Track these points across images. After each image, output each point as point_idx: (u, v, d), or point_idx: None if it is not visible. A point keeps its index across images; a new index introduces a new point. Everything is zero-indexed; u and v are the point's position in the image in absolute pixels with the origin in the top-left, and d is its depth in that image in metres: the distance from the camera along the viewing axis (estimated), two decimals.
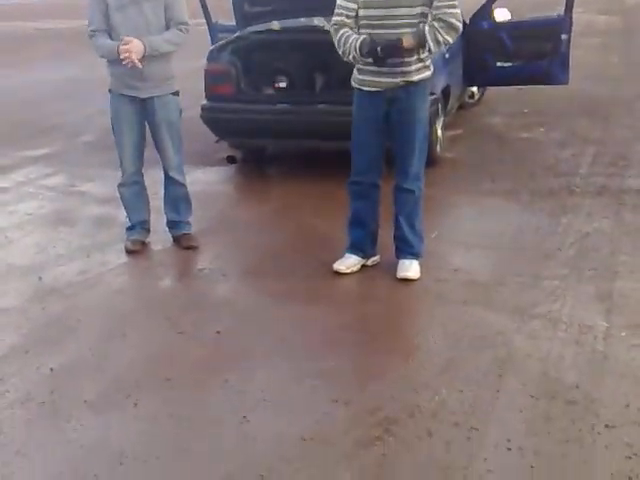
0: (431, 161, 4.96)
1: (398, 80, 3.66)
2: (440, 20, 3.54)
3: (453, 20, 3.56)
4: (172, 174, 4.37)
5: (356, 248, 4.02)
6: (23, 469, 2.55)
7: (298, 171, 5.85)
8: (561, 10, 6.33)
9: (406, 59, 3.61)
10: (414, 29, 3.57)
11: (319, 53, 5.26)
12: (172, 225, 4.50)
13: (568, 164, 5.73)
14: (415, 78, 3.68)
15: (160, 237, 4.52)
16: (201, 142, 6.08)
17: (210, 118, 5.71)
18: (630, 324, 3.32)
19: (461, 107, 7.15)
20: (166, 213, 4.50)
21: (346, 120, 3.90)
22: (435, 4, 3.55)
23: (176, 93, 4.28)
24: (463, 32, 6.34)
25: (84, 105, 8.20)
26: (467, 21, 6.48)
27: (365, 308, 3.68)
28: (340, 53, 3.72)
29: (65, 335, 3.46)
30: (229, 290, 3.94)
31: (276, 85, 5.79)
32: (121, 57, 3.98)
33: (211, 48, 5.92)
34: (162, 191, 4.50)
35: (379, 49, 3.54)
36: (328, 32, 3.81)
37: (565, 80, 6.47)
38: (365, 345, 3.32)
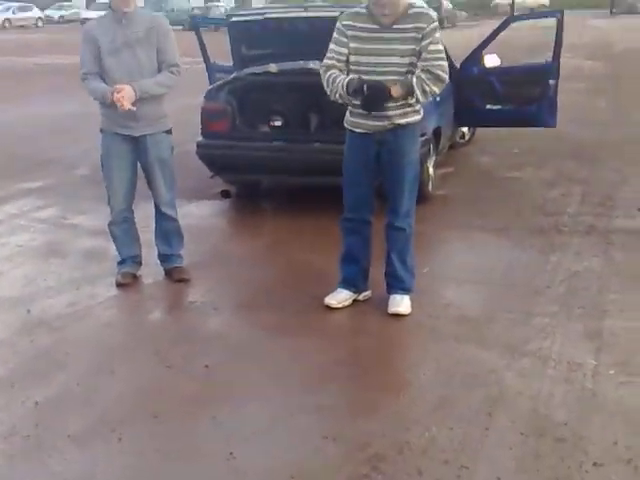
0: (423, 198, 5.03)
1: (386, 123, 3.73)
2: (427, 72, 3.62)
3: (440, 72, 3.65)
4: (164, 210, 4.39)
5: (348, 283, 4.04)
6: None
7: (292, 206, 5.90)
8: (549, 56, 6.49)
9: (391, 104, 3.67)
10: (402, 77, 3.65)
11: (314, 94, 5.34)
12: (164, 258, 4.51)
13: (556, 203, 5.81)
14: (403, 121, 3.75)
15: (151, 270, 4.52)
16: (195, 177, 6.14)
17: (206, 154, 5.78)
18: (618, 362, 3.34)
19: (452, 147, 7.26)
20: (157, 246, 4.51)
21: (339, 158, 3.96)
22: (424, 55, 3.64)
23: (169, 131, 4.32)
24: (454, 76, 6.52)
25: (80, 140, 8.23)
26: (458, 66, 6.65)
27: (357, 342, 3.68)
28: (328, 92, 3.79)
29: (52, 368, 3.43)
30: (220, 324, 3.93)
31: (271, 123, 5.88)
32: (117, 104, 4.00)
33: (209, 87, 6.04)
34: (153, 224, 4.51)
35: (365, 87, 3.61)
36: None
37: (553, 123, 6.60)
38: (356, 380, 3.31)
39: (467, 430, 2.84)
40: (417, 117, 3.82)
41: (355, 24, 3.71)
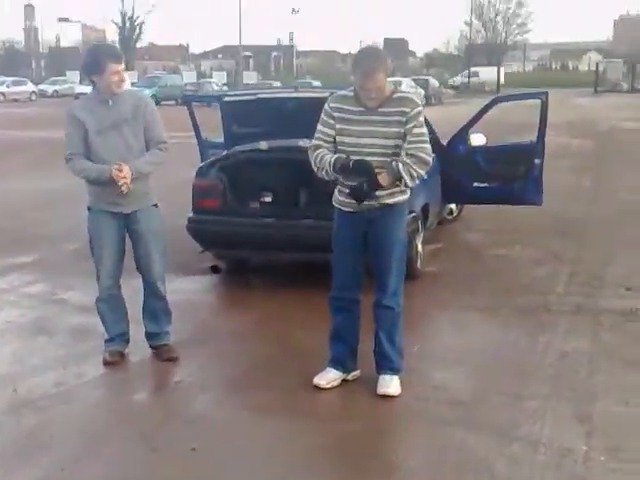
0: (411, 275, 5.06)
1: (374, 203, 3.80)
2: (412, 156, 3.73)
3: (424, 155, 3.75)
4: (153, 285, 4.37)
5: (337, 363, 4.03)
6: None
7: (281, 282, 5.91)
8: (534, 135, 6.66)
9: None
10: (387, 159, 3.75)
11: (303, 171, 5.45)
12: (151, 336, 4.47)
13: (544, 282, 5.85)
14: (391, 201, 3.83)
15: (139, 347, 4.48)
16: (185, 252, 6.15)
17: (196, 230, 5.83)
18: (609, 447, 3.31)
19: (440, 223, 7.35)
20: (145, 324, 4.47)
21: (328, 234, 4.01)
22: (408, 138, 3.74)
23: (156, 205, 4.35)
24: (442, 154, 6.66)
25: (67, 215, 8.24)
26: (445, 144, 6.82)
27: (344, 426, 3.62)
28: (315, 170, 3.88)
29: (37, 451, 3.36)
30: (207, 404, 3.88)
31: (262, 199, 5.96)
32: (119, 183, 4.03)
33: (200, 165, 6.14)
34: (141, 301, 4.48)
35: (351, 163, 3.69)
36: None
37: (539, 201, 6.73)
38: (343, 468, 3.26)
39: None
40: (404, 196, 3.90)
41: (342, 106, 3.83)
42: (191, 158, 7.00)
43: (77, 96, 32.01)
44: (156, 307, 4.44)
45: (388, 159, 3.74)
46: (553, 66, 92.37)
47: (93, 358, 4.37)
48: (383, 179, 3.71)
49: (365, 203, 3.77)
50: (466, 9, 69.99)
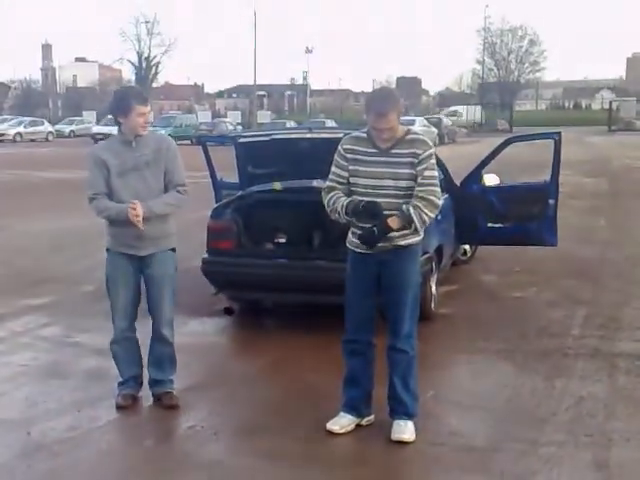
0: (425, 317, 5.04)
1: (387, 244, 3.81)
2: (422, 199, 3.75)
3: (433, 198, 3.78)
4: (162, 330, 4.35)
5: (350, 408, 4.00)
6: None
7: (295, 324, 5.90)
8: (547, 174, 6.67)
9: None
10: (400, 200, 3.77)
11: (317, 212, 5.48)
12: (154, 383, 4.42)
13: (560, 325, 5.80)
14: (404, 243, 3.84)
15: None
16: (198, 293, 6.17)
17: (211, 271, 5.85)
18: None
19: (454, 264, 7.33)
20: (149, 371, 4.43)
21: (342, 276, 4.01)
22: (419, 180, 3.78)
23: (173, 249, 4.37)
24: (455, 194, 6.66)
25: (82, 256, 8.34)
26: (458, 184, 6.85)
27: (359, 472, 3.59)
28: (328, 211, 3.92)
29: None
30: (219, 450, 3.85)
31: (276, 240, 5.99)
32: (132, 221, 4.07)
33: (215, 206, 6.19)
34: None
35: (361, 205, 3.72)
36: None
37: (554, 242, 6.70)
38: None
39: None
40: (417, 238, 3.90)
41: (355, 147, 3.87)
42: (206, 198, 7.05)
43: (94, 136, 32.43)
44: (163, 353, 4.41)
45: (401, 200, 3.77)
46: (566, 104, 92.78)
47: (107, 401, 4.36)
48: (393, 222, 3.73)
49: (378, 245, 3.79)
50: (479, 48, 70.52)
